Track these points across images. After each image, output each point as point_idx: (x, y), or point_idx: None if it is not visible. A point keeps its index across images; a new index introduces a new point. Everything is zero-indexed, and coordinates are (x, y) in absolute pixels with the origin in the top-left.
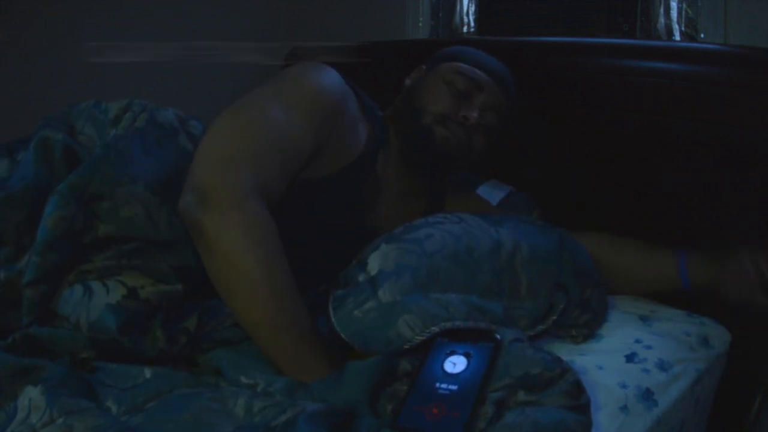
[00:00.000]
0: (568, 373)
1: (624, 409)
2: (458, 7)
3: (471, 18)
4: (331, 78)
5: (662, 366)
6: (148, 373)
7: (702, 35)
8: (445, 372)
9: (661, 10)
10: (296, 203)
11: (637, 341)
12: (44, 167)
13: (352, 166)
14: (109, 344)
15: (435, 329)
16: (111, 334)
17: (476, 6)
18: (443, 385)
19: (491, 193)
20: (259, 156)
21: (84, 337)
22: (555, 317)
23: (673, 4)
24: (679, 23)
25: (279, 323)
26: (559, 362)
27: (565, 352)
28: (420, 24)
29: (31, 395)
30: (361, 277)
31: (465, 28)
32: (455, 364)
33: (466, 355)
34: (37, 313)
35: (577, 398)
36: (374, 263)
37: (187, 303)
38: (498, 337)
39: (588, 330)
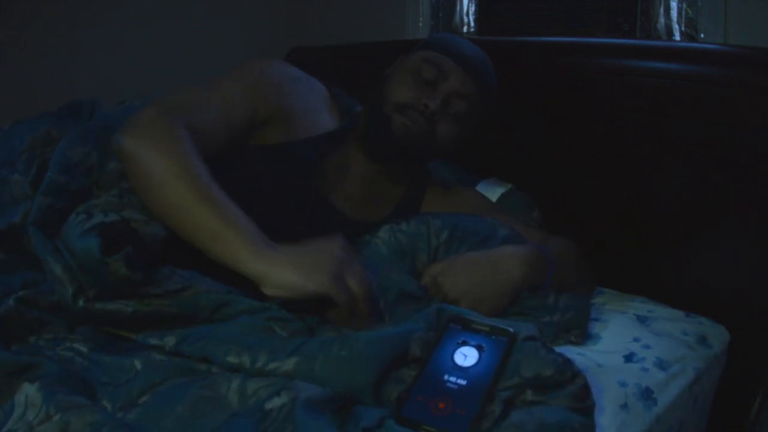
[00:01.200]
0: (578, 377)
1: (624, 407)
2: (458, 7)
3: (471, 18)
4: (275, 67)
5: (661, 365)
6: (138, 364)
7: (702, 35)
8: (455, 364)
9: (661, 10)
10: (249, 169)
11: (636, 340)
12: (70, 113)
13: (306, 141)
14: (90, 253)
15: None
16: (93, 245)
17: (476, 6)
18: (452, 378)
19: (490, 189)
20: (193, 107)
21: (73, 254)
22: None
23: (673, 4)
24: (679, 23)
25: (196, 195)
26: (570, 365)
27: (564, 351)
28: (420, 24)
29: (28, 392)
30: None
31: (465, 28)
32: (466, 356)
33: (479, 347)
34: (42, 218)
35: (584, 401)
36: None
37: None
38: (512, 330)
39: (580, 328)
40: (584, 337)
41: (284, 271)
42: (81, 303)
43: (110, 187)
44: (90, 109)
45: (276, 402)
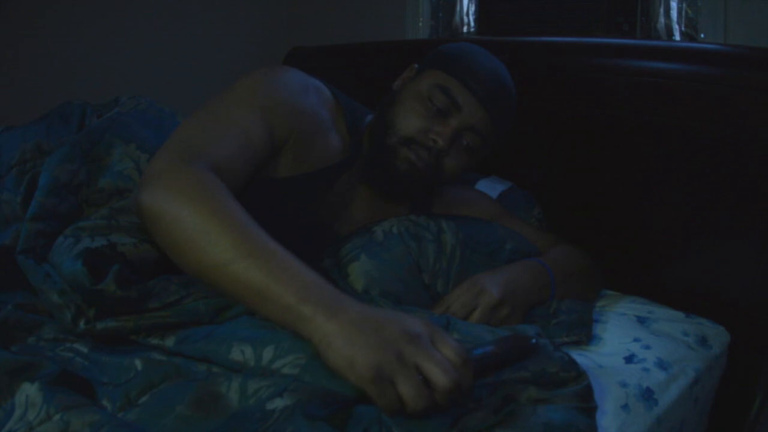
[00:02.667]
0: (582, 376)
1: (625, 407)
2: (458, 7)
3: (471, 18)
4: (288, 82)
5: (662, 365)
6: (139, 364)
7: (702, 35)
8: None
9: (661, 10)
10: (257, 201)
11: (636, 341)
12: (59, 119)
13: (319, 174)
14: (79, 279)
15: None
16: (79, 272)
17: (476, 6)
18: None
19: (491, 187)
20: (212, 145)
21: (64, 279)
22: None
23: (673, 4)
24: (679, 23)
25: (246, 251)
26: (575, 365)
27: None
28: (420, 24)
29: (28, 392)
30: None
31: (465, 28)
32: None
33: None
34: (30, 245)
35: (587, 401)
36: (358, 278)
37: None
38: (533, 342)
39: (586, 330)
40: (590, 336)
41: (334, 347)
42: (82, 325)
43: (100, 204)
44: (80, 113)
45: (278, 403)
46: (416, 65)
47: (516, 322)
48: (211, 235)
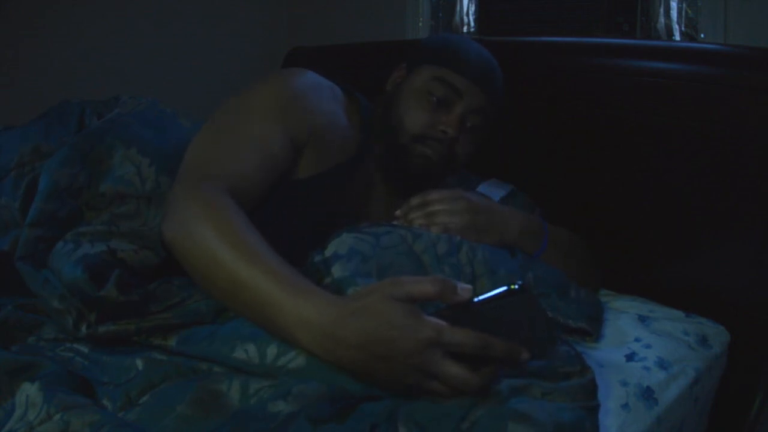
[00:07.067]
0: (587, 371)
1: (625, 406)
2: (458, 7)
3: (471, 18)
4: (303, 82)
5: (662, 365)
6: (140, 364)
7: (702, 35)
8: None
9: (661, 10)
10: (280, 202)
11: (637, 340)
12: (57, 119)
13: (336, 170)
14: (79, 287)
15: None
16: (80, 279)
17: (476, 6)
18: None
19: (491, 191)
20: (229, 161)
21: (64, 285)
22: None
23: (673, 4)
24: (679, 23)
25: (251, 275)
26: (580, 359)
27: None
28: (420, 24)
29: (29, 392)
30: (317, 258)
31: (465, 28)
32: None
33: None
34: (29, 251)
35: (592, 398)
36: (331, 248)
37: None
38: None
39: (598, 325)
40: (599, 333)
41: (350, 366)
42: (84, 330)
43: (101, 209)
44: (79, 113)
45: (281, 406)
46: (404, 64)
47: (488, 239)
48: (219, 263)
